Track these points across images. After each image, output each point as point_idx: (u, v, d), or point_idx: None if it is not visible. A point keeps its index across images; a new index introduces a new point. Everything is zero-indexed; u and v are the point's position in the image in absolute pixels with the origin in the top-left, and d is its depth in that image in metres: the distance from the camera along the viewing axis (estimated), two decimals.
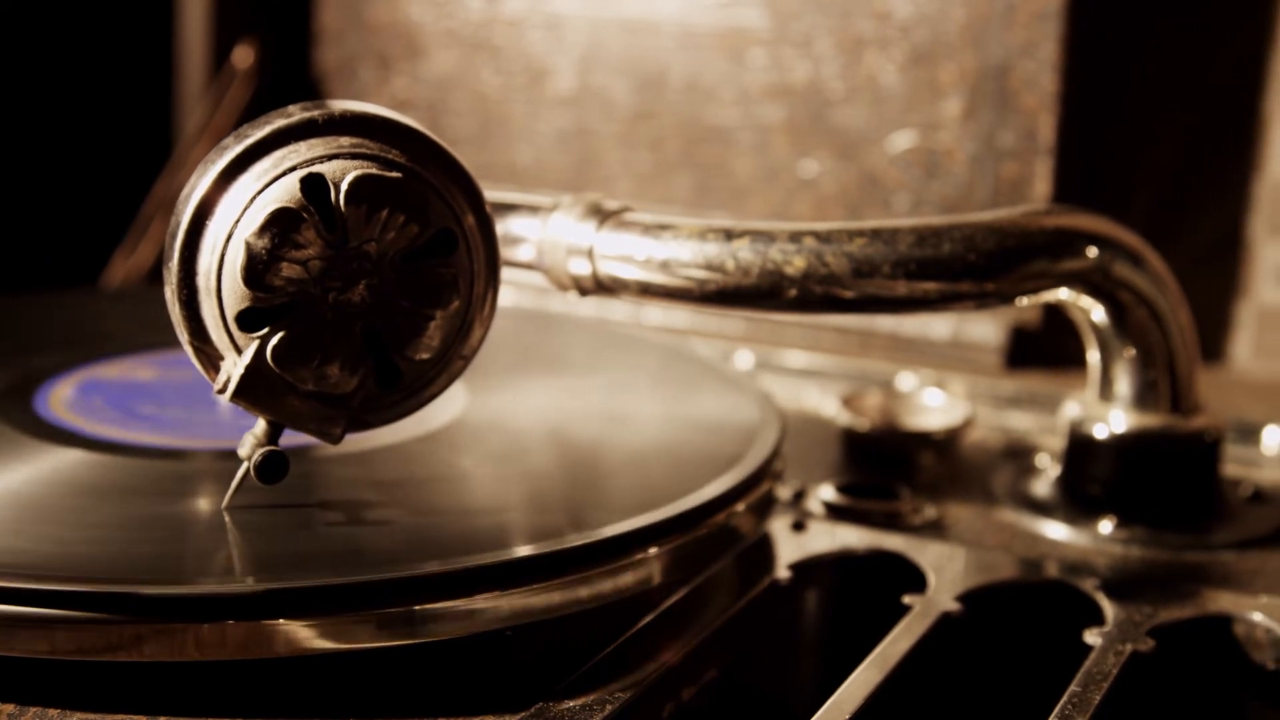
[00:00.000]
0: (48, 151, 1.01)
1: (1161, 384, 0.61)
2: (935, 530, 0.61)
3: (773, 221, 0.59)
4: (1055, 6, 0.82)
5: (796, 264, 0.56)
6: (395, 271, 0.48)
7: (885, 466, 0.68)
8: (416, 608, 0.45)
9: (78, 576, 0.44)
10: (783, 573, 0.57)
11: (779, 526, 0.60)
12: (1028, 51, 0.82)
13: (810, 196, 0.89)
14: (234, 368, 0.47)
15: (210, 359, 0.48)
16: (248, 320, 0.47)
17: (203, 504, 0.51)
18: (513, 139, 0.96)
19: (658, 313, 0.90)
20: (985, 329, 0.85)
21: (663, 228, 0.58)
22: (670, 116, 0.91)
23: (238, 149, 0.48)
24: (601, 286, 0.59)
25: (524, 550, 0.48)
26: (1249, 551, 0.60)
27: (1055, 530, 0.61)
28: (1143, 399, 0.61)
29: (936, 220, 0.57)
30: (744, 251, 0.57)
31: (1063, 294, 0.59)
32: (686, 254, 0.57)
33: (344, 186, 0.47)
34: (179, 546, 0.48)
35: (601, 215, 0.59)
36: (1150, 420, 0.61)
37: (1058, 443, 0.65)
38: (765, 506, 0.57)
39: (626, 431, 0.61)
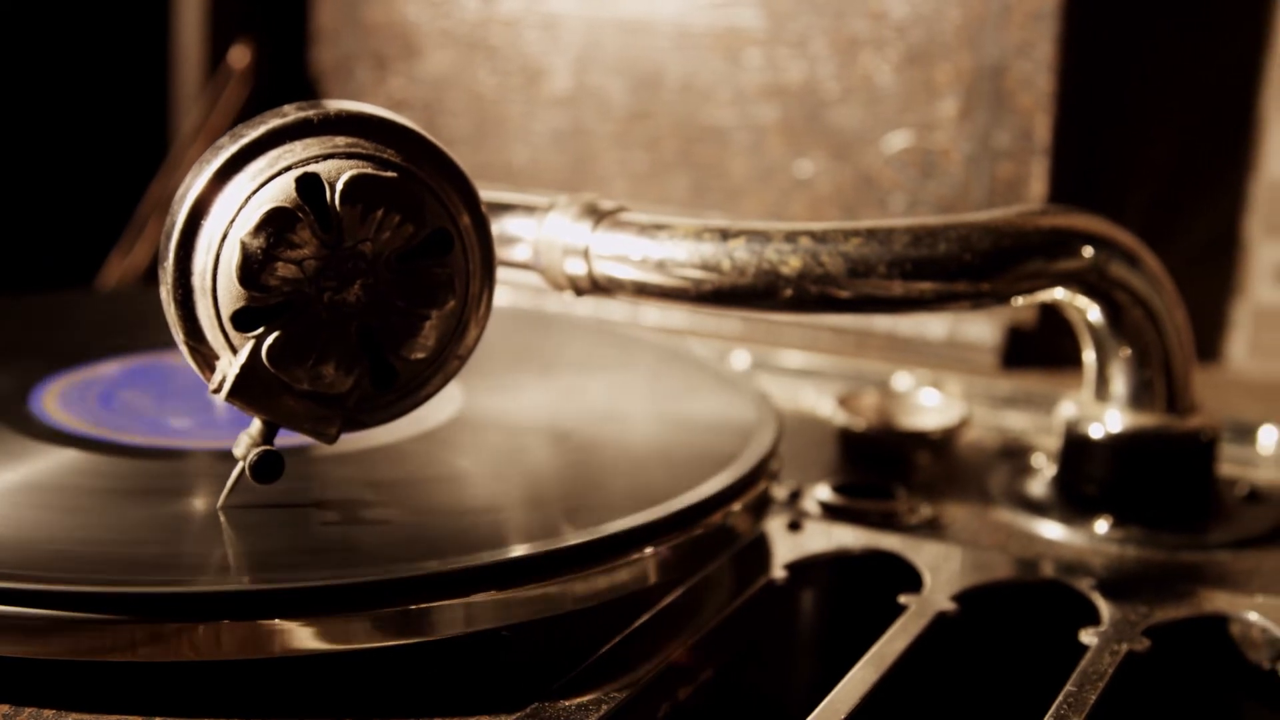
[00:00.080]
0: (44, 151, 1.01)
1: (1157, 384, 0.61)
2: (931, 530, 0.61)
3: (768, 221, 0.60)
4: (1051, 7, 0.82)
5: (792, 264, 0.56)
6: (391, 271, 0.48)
7: (881, 466, 0.68)
8: (412, 607, 0.45)
9: (73, 577, 0.44)
10: (779, 572, 0.57)
11: (775, 526, 0.60)
12: (1023, 52, 0.83)
13: (806, 196, 0.89)
14: (229, 367, 0.47)
15: (205, 359, 0.48)
16: (243, 320, 0.47)
17: (198, 504, 0.51)
18: (509, 139, 0.96)
19: (654, 313, 0.90)
20: (981, 329, 0.85)
21: (658, 228, 0.58)
22: (666, 116, 0.91)
23: (233, 149, 0.48)
24: (597, 286, 0.59)
25: (520, 550, 0.48)
26: (1245, 551, 0.60)
27: (1051, 530, 0.61)
28: (1138, 399, 0.61)
29: (932, 220, 0.57)
30: (740, 251, 0.57)
31: (1058, 294, 0.59)
32: (682, 254, 0.57)
33: (339, 186, 0.47)
34: (175, 546, 0.48)
35: (597, 215, 0.59)
36: (1146, 420, 0.61)
37: (1054, 443, 0.65)
38: (761, 506, 0.57)
39: (623, 431, 0.61)
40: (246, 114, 0.92)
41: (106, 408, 0.60)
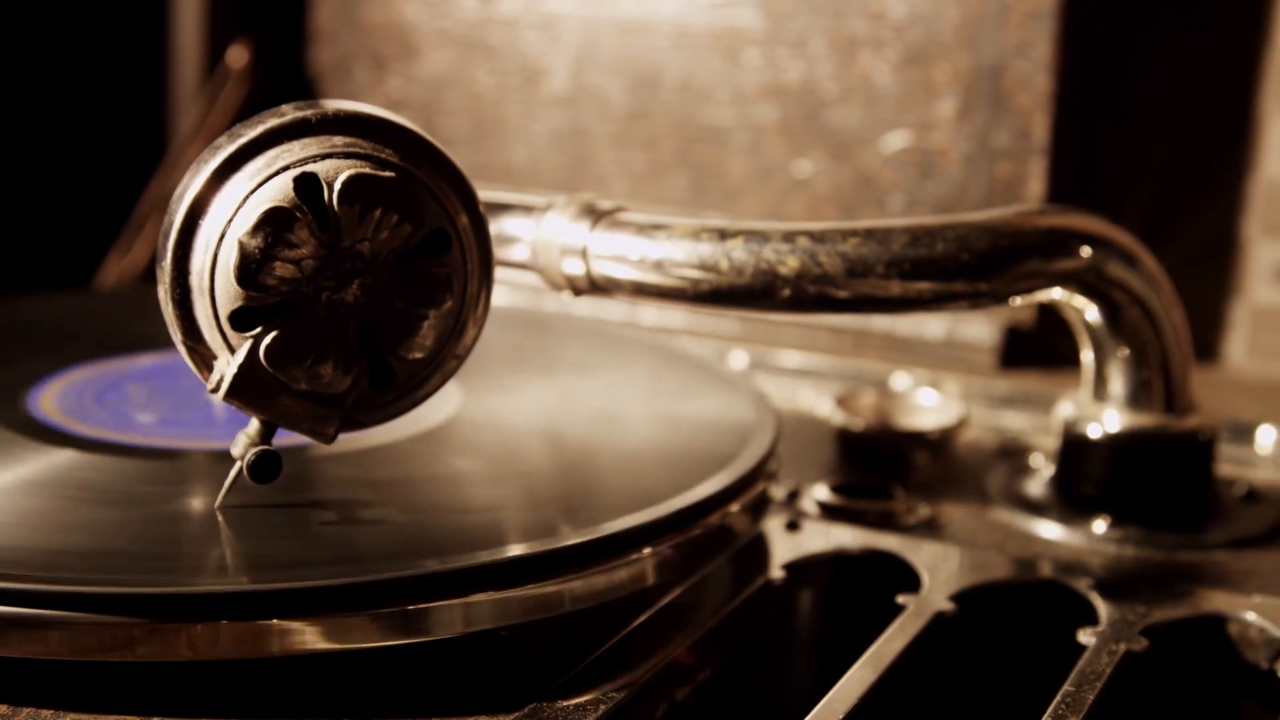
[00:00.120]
0: (42, 151, 1.01)
1: (1155, 384, 0.61)
2: (929, 530, 0.61)
3: (767, 221, 0.59)
4: (1049, 6, 0.82)
5: (790, 264, 0.56)
6: (389, 271, 0.48)
7: (880, 466, 0.68)
8: (411, 607, 0.45)
9: (71, 577, 0.44)
10: (777, 572, 0.57)
11: (773, 526, 0.60)
12: (1022, 51, 0.83)
13: (804, 196, 0.89)
14: (227, 367, 0.47)
15: (203, 358, 0.48)
16: (241, 320, 0.47)
17: (196, 504, 0.51)
18: (507, 139, 0.96)
19: (653, 312, 0.90)
20: (979, 329, 0.85)
21: (656, 227, 0.58)
22: (665, 116, 0.91)
23: (231, 148, 0.48)
24: (595, 286, 0.59)
25: (519, 550, 0.48)
26: (1243, 551, 0.60)
27: (1049, 530, 0.61)
28: (1136, 399, 0.61)
29: (930, 220, 0.57)
30: (738, 251, 0.57)
31: (1056, 294, 0.59)
32: (680, 254, 0.57)
33: (337, 186, 0.47)
34: (172, 546, 0.48)
35: (595, 215, 0.59)
36: (1144, 420, 0.61)
37: (1052, 442, 0.65)
38: (760, 506, 0.57)
39: (621, 431, 0.61)
40: (245, 114, 0.92)
41: (104, 408, 0.60)
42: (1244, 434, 0.72)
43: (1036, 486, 0.65)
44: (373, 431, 0.53)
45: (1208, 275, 0.88)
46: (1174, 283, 0.61)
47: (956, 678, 0.56)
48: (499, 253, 0.59)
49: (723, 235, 0.57)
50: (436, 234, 0.49)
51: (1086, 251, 0.58)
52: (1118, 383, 0.62)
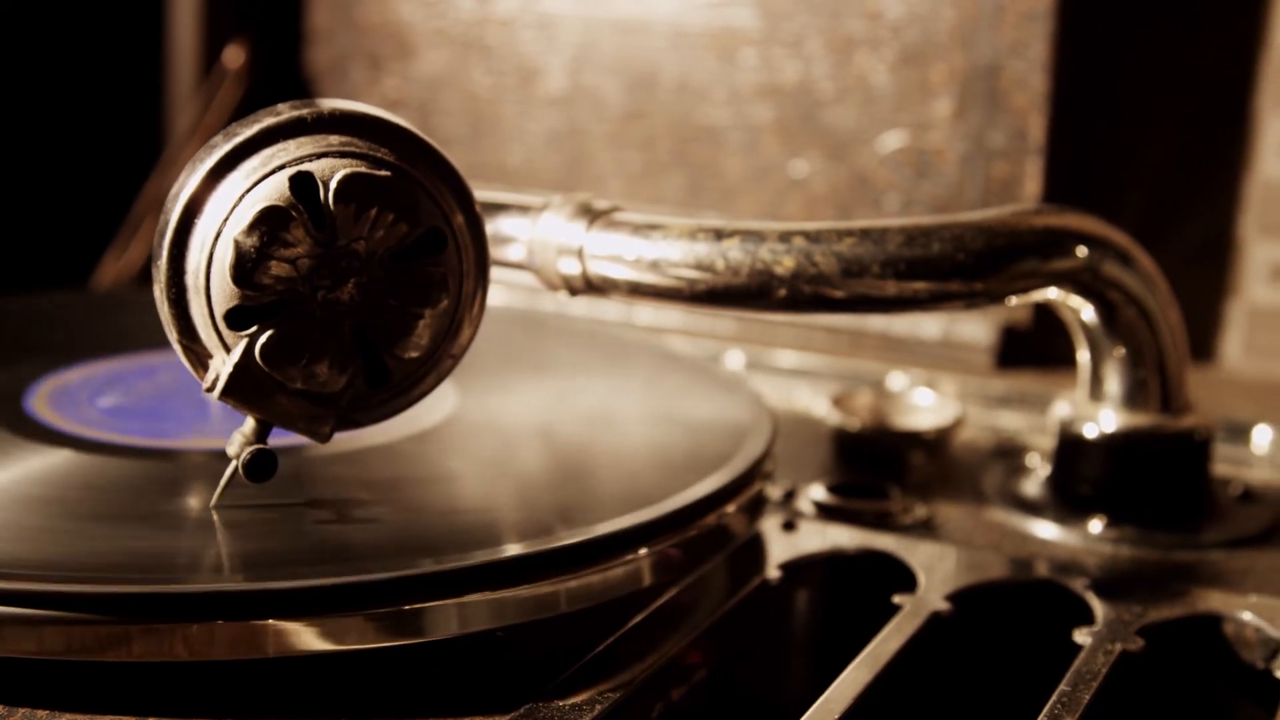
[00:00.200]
0: (39, 151, 1.01)
1: (1151, 383, 0.61)
2: (925, 530, 0.61)
3: (763, 221, 0.59)
4: (1045, 6, 0.82)
5: (786, 264, 0.56)
6: (384, 270, 0.48)
7: (876, 466, 0.68)
8: (406, 608, 0.45)
9: (66, 576, 0.44)
10: (773, 572, 0.57)
11: (770, 526, 0.60)
12: (1018, 51, 0.83)
13: (801, 196, 0.89)
14: (222, 366, 0.47)
15: (199, 357, 0.48)
16: (236, 319, 0.47)
17: (192, 503, 0.51)
18: (504, 139, 0.96)
19: (649, 312, 0.90)
20: (976, 329, 0.85)
21: (652, 227, 0.58)
22: (661, 116, 0.91)
23: (226, 147, 0.48)
24: (591, 286, 0.59)
25: (515, 550, 0.48)
26: (1239, 551, 0.60)
27: (1045, 530, 0.61)
28: (1133, 398, 0.61)
29: (926, 220, 0.57)
30: (733, 251, 0.57)
31: (1052, 293, 0.59)
32: (676, 254, 0.57)
33: (333, 185, 0.47)
34: (167, 546, 0.48)
35: (591, 215, 0.59)
36: (1140, 420, 0.61)
37: (1048, 442, 0.65)
38: (756, 506, 0.57)
39: (617, 432, 0.61)
40: (241, 113, 0.92)
41: (100, 407, 0.60)
42: (1240, 434, 0.72)
43: (1032, 486, 0.65)
44: (368, 431, 0.53)
45: (1204, 275, 0.88)
46: (1170, 282, 0.61)
47: (952, 677, 0.56)
48: (495, 252, 0.59)
49: (719, 235, 0.57)
50: (432, 233, 0.49)
51: (1082, 251, 0.58)
52: (1114, 382, 0.62)
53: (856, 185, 0.87)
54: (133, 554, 0.47)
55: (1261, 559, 0.59)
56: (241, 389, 0.47)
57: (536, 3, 0.94)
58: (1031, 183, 0.83)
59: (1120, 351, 0.61)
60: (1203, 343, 0.88)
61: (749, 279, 0.57)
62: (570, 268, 0.59)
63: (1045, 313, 0.81)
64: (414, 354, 0.49)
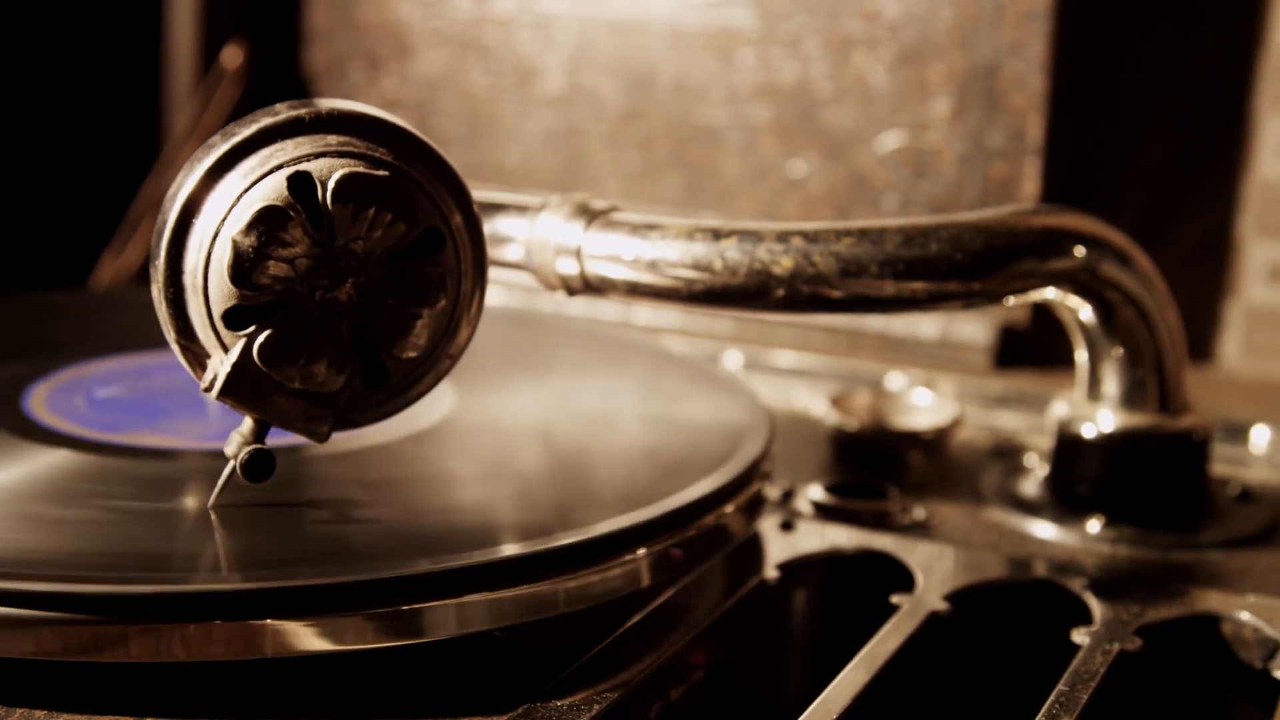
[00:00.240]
0: (36, 151, 1.01)
1: (1149, 383, 0.61)
2: (924, 530, 0.61)
3: (761, 221, 0.59)
4: (1043, 6, 0.82)
5: (784, 264, 0.56)
6: (382, 270, 0.48)
7: (874, 466, 0.68)
8: (404, 608, 0.45)
9: (64, 576, 0.44)
10: (771, 572, 0.57)
11: (768, 526, 0.60)
12: (1016, 51, 0.83)
13: (799, 196, 0.89)
14: (220, 366, 0.47)
15: (197, 357, 0.48)
16: (234, 318, 0.47)
17: (190, 503, 0.51)
18: (502, 139, 0.96)
19: (647, 312, 0.90)
20: (974, 329, 0.85)
21: (650, 227, 0.58)
22: (659, 116, 0.91)
23: (224, 147, 0.47)
24: (589, 286, 0.59)
25: (513, 550, 0.48)
26: (1237, 551, 0.60)
27: (1043, 530, 0.61)
28: (1131, 398, 0.61)
29: (924, 220, 0.57)
30: (731, 251, 0.57)
31: (1050, 293, 0.59)
32: (674, 254, 0.57)
33: (331, 185, 0.47)
34: (166, 546, 0.48)
35: (589, 215, 0.59)
36: (1138, 420, 0.61)
37: (1046, 442, 0.65)
38: (754, 506, 0.57)
39: (615, 432, 0.61)
40: (239, 114, 0.92)
41: (98, 407, 0.60)
42: (1238, 434, 0.72)
43: (1031, 486, 0.65)
44: (366, 431, 0.53)
45: (1202, 275, 0.88)
46: (1169, 282, 0.61)
47: (951, 677, 0.56)
48: (493, 252, 0.58)
49: (716, 235, 0.57)
50: (430, 233, 0.49)
51: (1080, 251, 0.58)
52: (1112, 382, 0.62)
53: (854, 185, 0.87)
54: (130, 554, 0.47)
55: (1259, 559, 0.59)
56: (239, 389, 0.47)
57: (534, 3, 0.94)
58: (1030, 183, 0.83)
59: (1118, 351, 0.61)
60: (1201, 343, 0.88)
61: (747, 279, 0.57)
62: (568, 268, 0.59)
63: (1043, 313, 0.81)
64: (412, 354, 0.49)
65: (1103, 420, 0.62)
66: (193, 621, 0.44)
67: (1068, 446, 0.63)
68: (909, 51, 0.85)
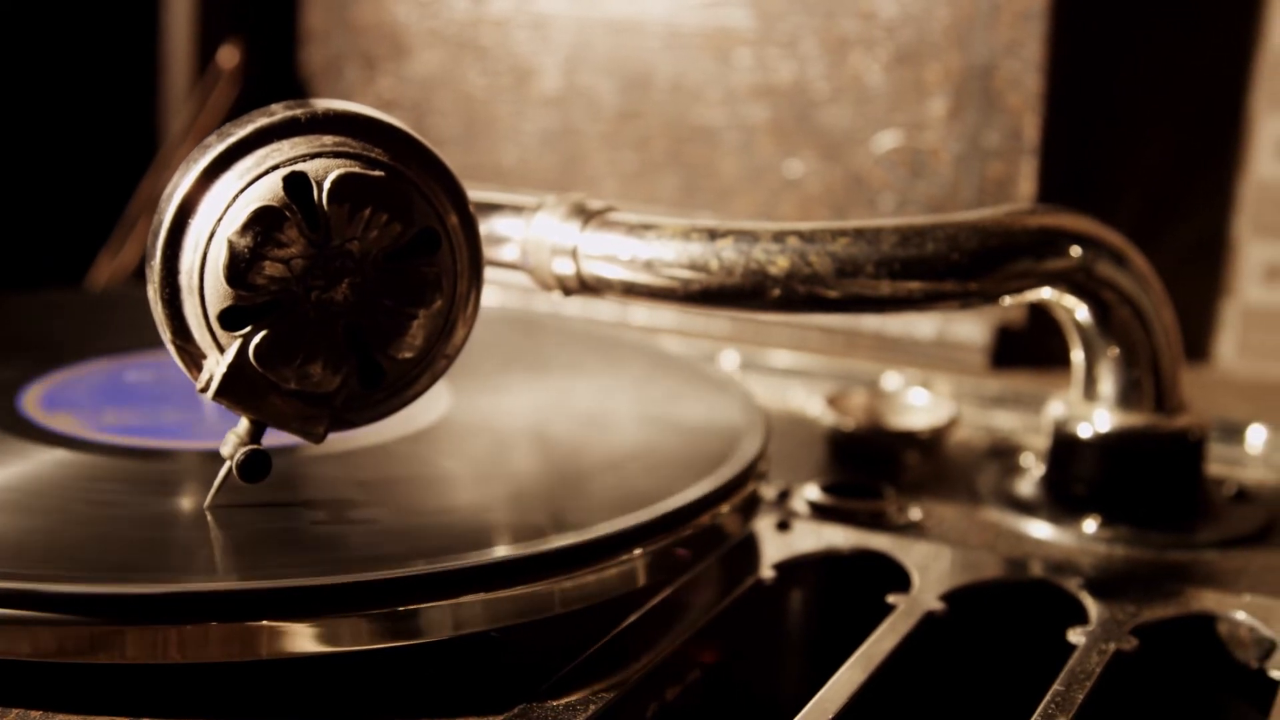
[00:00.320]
0: (33, 151, 1.01)
1: (1145, 383, 0.61)
2: (920, 530, 0.61)
3: (757, 221, 0.59)
4: (1040, 6, 0.82)
5: (780, 264, 0.56)
6: (378, 270, 0.48)
7: (870, 466, 0.68)
8: (401, 608, 0.45)
9: (60, 576, 0.44)
10: (767, 572, 0.57)
11: (764, 526, 0.60)
12: (1012, 51, 0.83)
13: (795, 196, 0.89)
14: (216, 366, 0.47)
15: (193, 358, 0.48)
16: (230, 319, 0.47)
17: (185, 503, 0.51)
18: (498, 139, 0.96)
19: (643, 312, 0.90)
20: (970, 328, 0.85)
21: (646, 227, 0.58)
22: (656, 116, 0.91)
23: (220, 147, 0.47)
24: (586, 286, 0.59)
25: (509, 551, 0.48)
26: (1233, 550, 0.60)
27: (1039, 529, 0.61)
28: (1127, 398, 0.61)
29: (920, 220, 0.57)
30: (727, 251, 0.57)
31: (1046, 293, 0.59)
32: (670, 254, 0.57)
33: (327, 185, 0.47)
34: (162, 546, 0.48)
35: (585, 215, 0.59)
36: (1134, 419, 0.61)
37: (1042, 442, 0.65)
38: (750, 506, 0.57)
39: (611, 432, 0.61)
40: (236, 114, 0.92)
41: (94, 407, 0.60)
42: (1234, 433, 0.72)
43: (1027, 486, 0.65)
44: (362, 431, 0.53)
45: (1198, 275, 0.88)
46: (1165, 282, 0.61)
47: (947, 677, 0.56)
48: (489, 252, 0.58)
49: (712, 235, 0.57)
50: (426, 233, 0.49)
51: (1076, 251, 0.58)
52: (1108, 382, 0.62)
53: (851, 185, 0.87)
54: (126, 555, 0.47)
55: (1255, 559, 0.59)
56: (235, 389, 0.47)
57: (530, 3, 0.94)
58: (1026, 183, 0.84)
59: (1114, 351, 0.61)
60: (1197, 343, 0.88)
61: (743, 279, 0.57)
62: (564, 268, 0.59)
63: (1040, 313, 0.81)
64: (408, 354, 0.49)
65: (1099, 420, 0.62)
66: (189, 622, 0.44)
67: (1064, 446, 0.63)
68: (905, 51, 0.85)
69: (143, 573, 0.45)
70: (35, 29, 1.00)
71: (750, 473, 0.57)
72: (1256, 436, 0.72)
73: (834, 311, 0.58)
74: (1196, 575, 0.57)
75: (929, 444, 0.69)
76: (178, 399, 0.61)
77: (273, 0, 1.01)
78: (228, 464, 0.49)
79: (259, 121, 0.48)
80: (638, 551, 0.50)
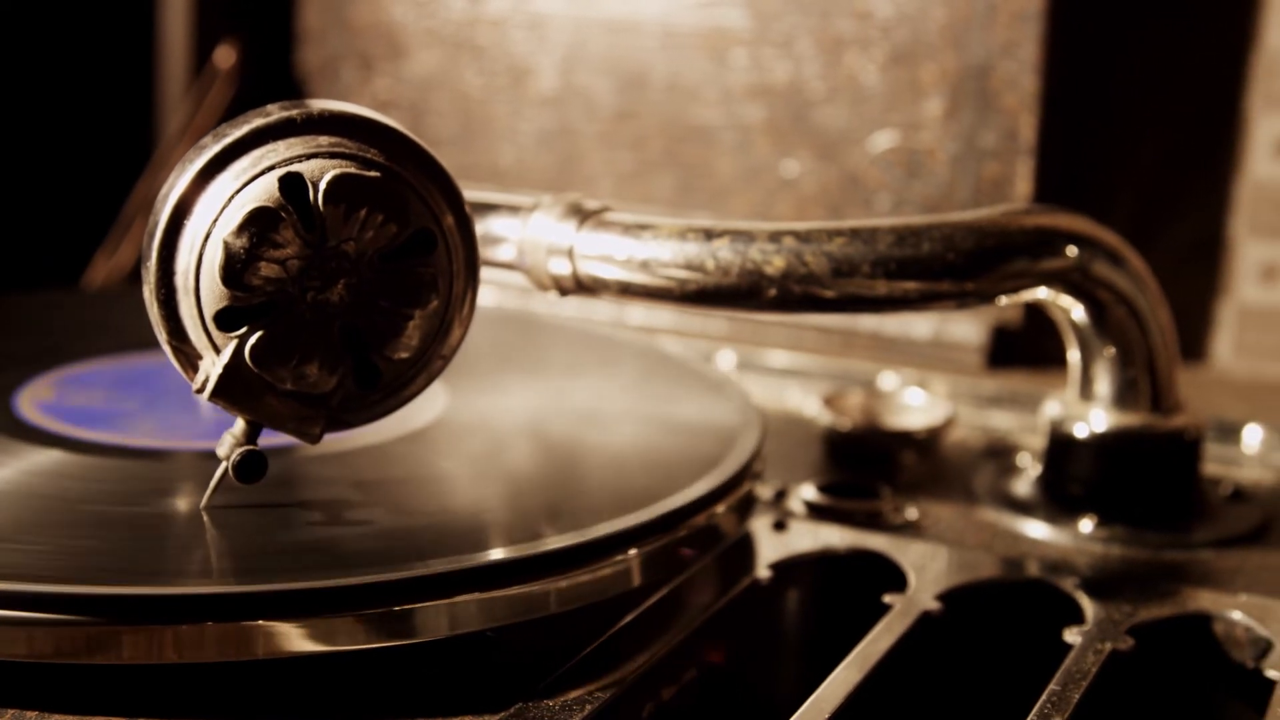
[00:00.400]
0: (29, 152, 1.00)
1: (1141, 383, 0.61)
2: (916, 530, 0.61)
3: (753, 221, 0.59)
4: (1036, 7, 0.82)
5: (776, 264, 0.56)
6: (374, 271, 0.48)
7: (867, 466, 0.68)
8: (397, 609, 0.45)
9: (56, 577, 0.44)
10: (764, 572, 0.57)
11: (760, 526, 0.60)
12: (1008, 51, 0.83)
13: (792, 196, 0.89)
14: (212, 367, 0.47)
15: (189, 358, 0.48)
16: (226, 320, 0.47)
17: (181, 504, 0.51)
18: (495, 139, 0.96)
19: (640, 312, 0.90)
20: (967, 328, 0.85)
21: (642, 227, 0.58)
22: (652, 116, 0.91)
23: (216, 148, 0.47)
24: (582, 286, 0.59)
25: (505, 552, 0.48)
26: (1228, 550, 0.60)
27: (1036, 529, 0.61)
28: (1123, 398, 0.61)
29: (916, 220, 0.57)
30: (723, 251, 0.57)
31: (1042, 293, 0.59)
32: (666, 254, 0.57)
33: (322, 186, 0.47)
34: (158, 547, 0.48)
35: (582, 215, 0.59)
36: (1130, 419, 0.61)
37: (1039, 442, 0.65)
38: (746, 506, 0.57)
39: (607, 433, 0.61)
40: (232, 114, 0.92)
41: (89, 408, 0.60)
42: (1230, 433, 0.72)
43: (1023, 486, 0.65)
44: (359, 432, 0.53)
45: (1195, 275, 0.88)
46: (1161, 282, 0.61)
47: (943, 677, 0.56)
48: (485, 253, 0.58)
49: (709, 235, 0.57)
50: (422, 234, 0.49)
51: (1072, 251, 0.58)
52: (1104, 382, 0.62)
53: (847, 185, 0.87)
54: (122, 555, 0.47)
55: (1251, 558, 0.59)
56: (231, 390, 0.47)
57: (527, 3, 0.94)
58: (1022, 183, 0.84)
59: (1110, 351, 0.61)
60: (1193, 342, 0.88)
61: (739, 279, 0.57)
62: (560, 268, 0.59)
63: (1036, 313, 0.81)
64: (404, 355, 0.49)
65: (1095, 420, 0.62)
66: (185, 623, 0.44)
67: (1060, 446, 0.63)
68: (901, 51, 0.85)
69: (139, 573, 0.45)
70: (32, 29, 1.00)
71: (746, 472, 0.57)
72: (1253, 436, 0.72)
73: (830, 311, 0.58)
74: (1192, 575, 0.57)
75: (925, 444, 0.69)
76: (174, 399, 0.61)
77: (269, 0, 1.01)
78: (224, 465, 0.49)
79: (255, 122, 0.48)
80: (633, 552, 0.50)
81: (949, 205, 0.85)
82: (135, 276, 0.92)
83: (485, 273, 0.52)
